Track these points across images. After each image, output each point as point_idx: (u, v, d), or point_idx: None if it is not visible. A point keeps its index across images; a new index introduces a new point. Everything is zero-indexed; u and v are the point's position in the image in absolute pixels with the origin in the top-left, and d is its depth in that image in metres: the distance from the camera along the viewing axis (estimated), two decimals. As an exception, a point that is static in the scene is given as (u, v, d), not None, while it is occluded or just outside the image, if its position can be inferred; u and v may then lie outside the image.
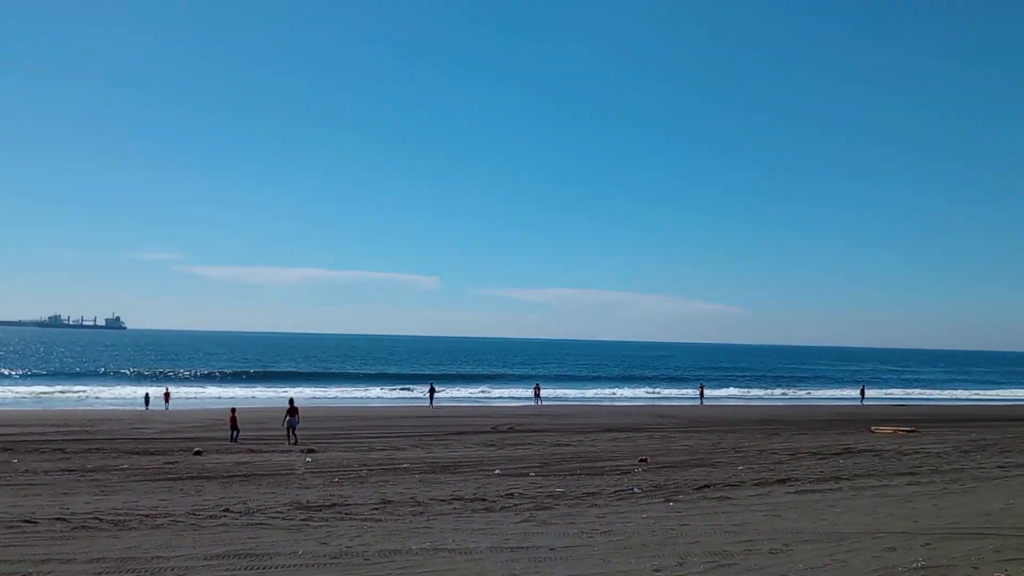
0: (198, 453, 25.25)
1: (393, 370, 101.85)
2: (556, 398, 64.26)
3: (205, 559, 10.99)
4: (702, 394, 61.35)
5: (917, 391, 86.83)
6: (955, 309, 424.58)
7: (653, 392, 75.75)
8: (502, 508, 15.70)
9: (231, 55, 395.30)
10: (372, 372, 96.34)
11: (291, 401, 30.88)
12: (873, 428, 36.90)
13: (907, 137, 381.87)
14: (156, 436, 30.71)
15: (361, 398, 62.84)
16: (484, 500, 16.67)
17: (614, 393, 72.32)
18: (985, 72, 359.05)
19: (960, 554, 10.72)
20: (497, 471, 21.60)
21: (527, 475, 20.88)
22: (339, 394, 65.50)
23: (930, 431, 35.74)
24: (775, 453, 26.31)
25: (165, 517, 14.39)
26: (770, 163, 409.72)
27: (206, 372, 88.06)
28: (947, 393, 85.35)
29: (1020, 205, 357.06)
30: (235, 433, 29.45)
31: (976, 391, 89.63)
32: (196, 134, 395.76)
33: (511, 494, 17.48)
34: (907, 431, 35.29)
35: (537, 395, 58.92)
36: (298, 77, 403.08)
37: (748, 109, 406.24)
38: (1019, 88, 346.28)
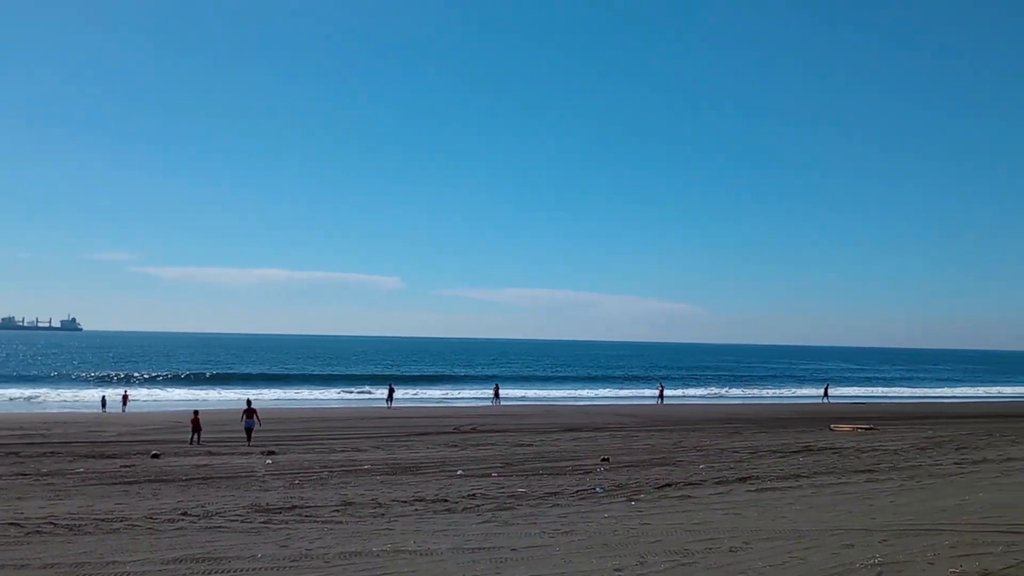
0: (156, 456, 24.91)
1: (354, 371, 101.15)
2: (518, 399, 64.32)
3: (162, 563, 10.82)
4: (661, 394, 61.71)
5: (876, 389, 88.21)
6: (914, 308, 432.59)
7: (616, 392, 76.10)
8: (464, 509, 15.67)
9: (190, 53, 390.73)
10: (333, 373, 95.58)
11: (248, 403, 30.82)
12: (832, 426, 37.39)
13: (870, 131, 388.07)
14: (113, 439, 30.23)
15: (321, 399, 62.36)
16: (446, 501, 16.62)
17: (577, 393, 72.55)
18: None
19: (916, 550, 10.88)
20: (459, 472, 21.56)
21: (489, 476, 20.86)
22: (299, 396, 64.93)
23: (888, 429, 36.29)
24: (736, 451, 26.55)
25: (121, 521, 14.15)
26: (733, 163, 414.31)
27: (164, 374, 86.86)
28: (905, 391, 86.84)
29: (980, 204, 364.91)
30: (196, 436, 29.07)
31: (933, 389, 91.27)
32: (152, 133, 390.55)
33: (473, 495, 17.44)
34: (866, 429, 35.81)
35: (496, 395, 58.93)
36: (258, 75, 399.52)
37: (713, 108, 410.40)
38: (973, 78, 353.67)
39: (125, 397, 49.51)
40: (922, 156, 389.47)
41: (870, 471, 21.26)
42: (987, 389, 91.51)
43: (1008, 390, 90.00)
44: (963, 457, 24.56)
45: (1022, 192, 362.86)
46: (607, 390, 78.15)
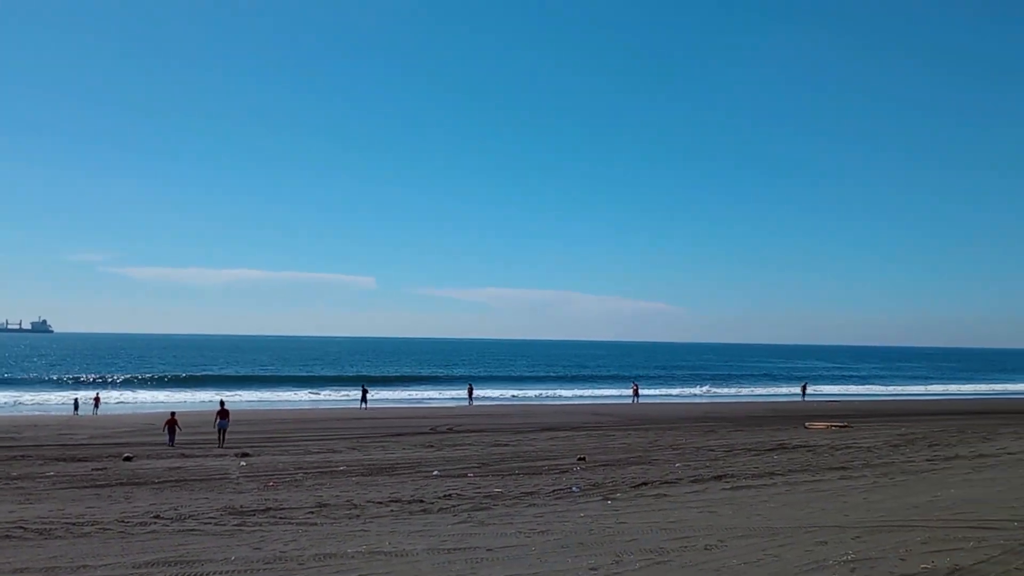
0: (128, 459, 24.63)
1: (330, 372, 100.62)
2: (496, 399, 64.27)
3: (133, 567, 10.69)
4: (636, 393, 61.86)
5: (851, 387, 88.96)
6: (889, 307, 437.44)
7: (593, 391, 76.21)
8: (440, 509, 15.62)
9: (160, 54, 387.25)
10: (308, 375, 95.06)
11: (222, 403, 30.75)
12: (807, 424, 37.65)
13: (846, 132, 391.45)
14: (85, 442, 29.87)
15: (296, 401, 61.99)
16: (422, 502, 16.56)
17: (554, 393, 72.56)
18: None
19: (889, 546, 10.96)
20: (435, 472, 21.50)
21: (466, 476, 20.82)
22: (274, 397, 64.51)
23: (862, 426, 36.59)
24: (711, 450, 26.66)
25: (92, 525, 14.00)
26: (711, 164, 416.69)
27: (137, 376, 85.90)
28: (880, 389, 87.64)
29: (955, 205, 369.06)
30: (172, 438, 28.83)
31: (907, 386, 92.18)
32: (124, 133, 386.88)
33: (449, 495, 17.40)
34: (840, 426, 36.08)
35: (470, 395, 58.88)
36: (230, 76, 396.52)
37: (692, 110, 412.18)
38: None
39: (97, 399, 48.97)
40: (898, 157, 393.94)
41: (844, 468, 21.42)
42: (960, 387, 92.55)
43: (981, 387, 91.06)
44: (935, 454, 24.80)
45: (996, 193, 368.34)
46: (584, 390, 78.25)
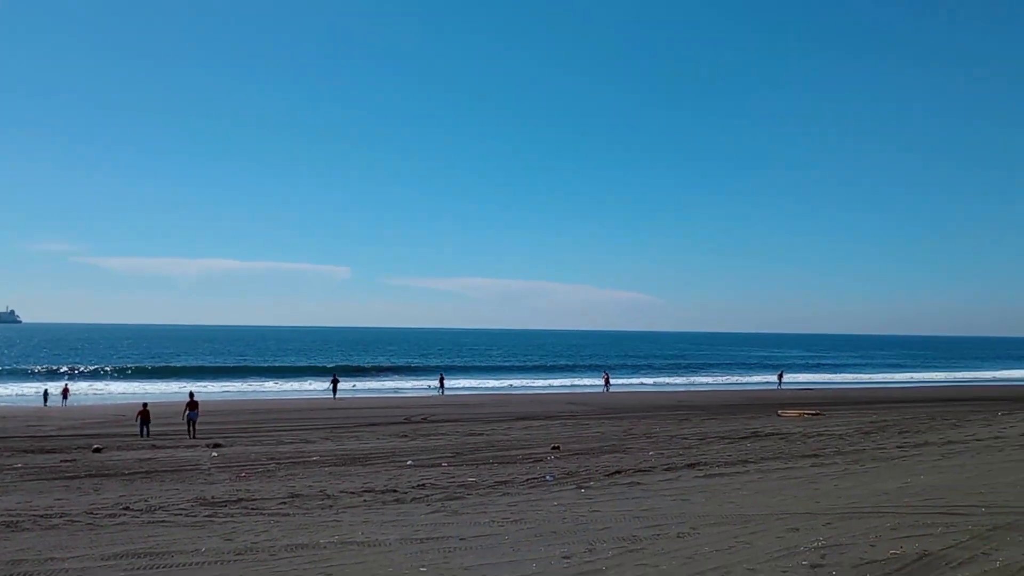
0: (97, 450, 24.37)
1: (304, 363, 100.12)
2: (470, 388, 64.26)
3: (102, 559, 10.55)
4: (607, 382, 62.04)
5: (825, 376, 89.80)
6: (864, 297, 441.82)
7: (568, 381, 76.37)
8: (413, 499, 15.56)
9: (130, 47, 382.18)
10: (282, 365, 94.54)
11: (191, 395, 30.63)
12: (780, 412, 37.96)
13: (823, 122, 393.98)
14: (53, 433, 29.52)
15: (270, 391, 61.65)
16: (395, 491, 16.50)
17: (530, 383, 72.66)
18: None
19: (859, 533, 11.04)
20: (409, 462, 21.44)
21: (439, 465, 20.78)
22: (247, 388, 64.15)
23: (835, 414, 36.94)
24: (685, 438, 26.79)
25: (61, 517, 13.81)
26: (685, 154, 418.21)
27: (107, 367, 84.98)
28: (853, 377, 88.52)
29: (932, 196, 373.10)
30: (146, 428, 28.64)
31: (880, 374, 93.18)
32: (92, 121, 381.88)
33: (423, 485, 17.36)
34: (812, 414, 36.41)
35: (441, 385, 58.85)
36: (200, 65, 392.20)
37: (666, 102, 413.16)
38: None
39: (66, 390, 48.44)
40: (872, 146, 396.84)
41: (816, 456, 21.59)
42: (931, 374, 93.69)
43: (952, 375, 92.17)
44: (906, 441, 25.06)
45: (969, 184, 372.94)
46: (559, 379, 78.42)
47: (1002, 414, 35.39)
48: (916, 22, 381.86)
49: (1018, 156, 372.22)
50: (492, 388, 66.15)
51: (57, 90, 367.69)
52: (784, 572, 9.10)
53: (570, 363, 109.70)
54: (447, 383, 61.56)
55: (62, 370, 79.93)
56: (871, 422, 31.90)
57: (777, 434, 27.75)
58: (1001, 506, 12.76)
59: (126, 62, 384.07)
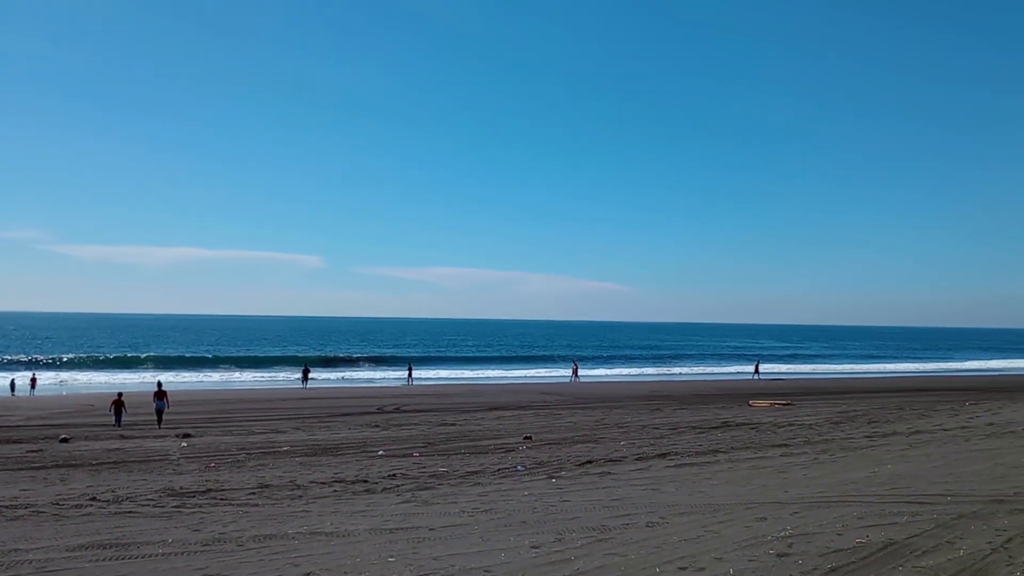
0: (65, 440, 24.09)
1: (275, 352, 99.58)
2: (443, 379, 64.22)
3: (66, 550, 10.43)
4: (575, 372, 62.18)
5: (798, 366, 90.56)
6: (838, 287, 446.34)
7: (541, 371, 76.47)
8: (383, 489, 15.51)
9: (94, 28, 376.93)
10: (254, 355, 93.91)
11: (159, 384, 30.37)
12: (751, 402, 38.25)
13: (802, 96, 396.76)
14: (20, 423, 29.16)
15: (241, 381, 61.27)
16: (366, 482, 16.44)
17: (503, 373, 72.72)
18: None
19: (826, 521, 11.13)
20: (380, 452, 21.38)
21: (411, 455, 20.74)
22: (217, 377, 63.75)
23: (805, 404, 37.27)
24: (657, 428, 26.92)
25: (26, 508, 13.63)
26: (651, 143, 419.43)
27: (76, 357, 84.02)
28: (824, 367, 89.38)
29: (899, 191, 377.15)
30: (119, 418, 28.46)
31: (852, 365, 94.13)
32: (57, 104, 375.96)
33: (393, 475, 17.31)
34: (783, 404, 36.72)
35: (410, 375, 58.83)
36: (165, 53, 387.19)
37: (640, 84, 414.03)
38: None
39: (34, 380, 47.85)
40: (848, 131, 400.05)
41: (785, 445, 21.76)
42: (902, 365, 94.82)
43: (921, 366, 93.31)
44: (874, 430, 25.31)
45: (941, 178, 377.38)
46: (533, 369, 78.52)
47: (969, 404, 35.87)
48: None
49: (988, 153, 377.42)
50: (465, 378, 66.13)
51: (20, 77, 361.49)
52: (751, 561, 9.16)
53: (544, 353, 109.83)
54: (419, 373, 61.42)
55: (30, 359, 78.91)
56: (841, 412, 32.21)
57: (748, 424, 27.94)
58: (966, 495, 12.92)
59: (91, 49, 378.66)
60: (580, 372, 64.66)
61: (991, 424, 26.19)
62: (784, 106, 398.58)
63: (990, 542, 9.80)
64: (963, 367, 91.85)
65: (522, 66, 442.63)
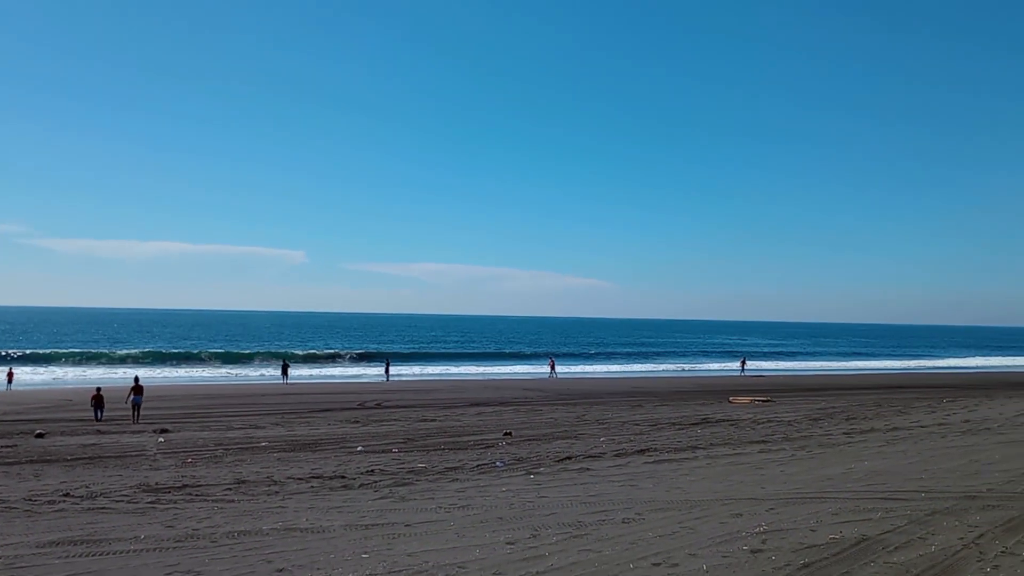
0: (40, 435, 23.85)
1: (257, 348, 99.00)
2: (425, 375, 64.05)
3: (37, 547, 10.33)
4: (552, 368, 62.25)
5: (779, 363, 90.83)
6: (822, 285, 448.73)
7: (522, 367, 76.40)
8: (361, 485, 15.46)
9: (77, 17, 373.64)
10: (235, 350, 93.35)
11: (136, 379, 30.23)
12: (731, 399, 38.38)
13: (793, 95, 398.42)
14: (-5, 419, 28.85)
15: (222, 376, 60.85)
16: (343, 478, 16.38)
17: (485, 369, 72.60)
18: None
19: (801, 517, 11.19)
20: (359, 448, 21.31)
21: (390, 451, 20.68)
22: (197, 372, 63.30)
23: (785, 400, 37.45)
24: (637, 424, 26.97)
25: (-3, 504, 13.50)
26: (638, 141, 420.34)
27: (54, 351, 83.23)
28: (805, 364, 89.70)
29: (879, 191, 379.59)
30: (100, 413, 28.31)
31: (833, 362, 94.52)
32: (39, 99, 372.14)
33: (372, 471, 17.25)
34: (763, 401, 36.87)
35: (387, 371, 58.66)
36: (151, 47, 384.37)
37: (627, 82, 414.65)
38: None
39: (10, 374, 47.34)
40: (840, 132, 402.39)
41: (764, 442, 21.86)
42: (881, 362, 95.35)
43: (900, 363, 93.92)
44: (852, 427, 25.49)
45: (925, 176, 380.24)
46: (516, 366, 78.41)
47: (946, 401, 36.20)
48: None
49: (974, 154, 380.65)
50: (448, 374, 65.98)
51: (2, 73, 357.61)
52: (725, 557, 9.18)
53: (527, 350, 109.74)
54: (402, 369, 61.21)
55: (7, 354, 78.13)
56: (819, 409, 32.40)
57: (727, 420, 28.05)
58: (940, 492, 13.03)
59: (74, 45, 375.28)
60: (561, 368, 64.62)
61: (967, 421, 26.44)
62: (771, 106, 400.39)
63: (962, 538, 9.88)
64: (941, 364, 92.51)
65: (508, 64, 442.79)
